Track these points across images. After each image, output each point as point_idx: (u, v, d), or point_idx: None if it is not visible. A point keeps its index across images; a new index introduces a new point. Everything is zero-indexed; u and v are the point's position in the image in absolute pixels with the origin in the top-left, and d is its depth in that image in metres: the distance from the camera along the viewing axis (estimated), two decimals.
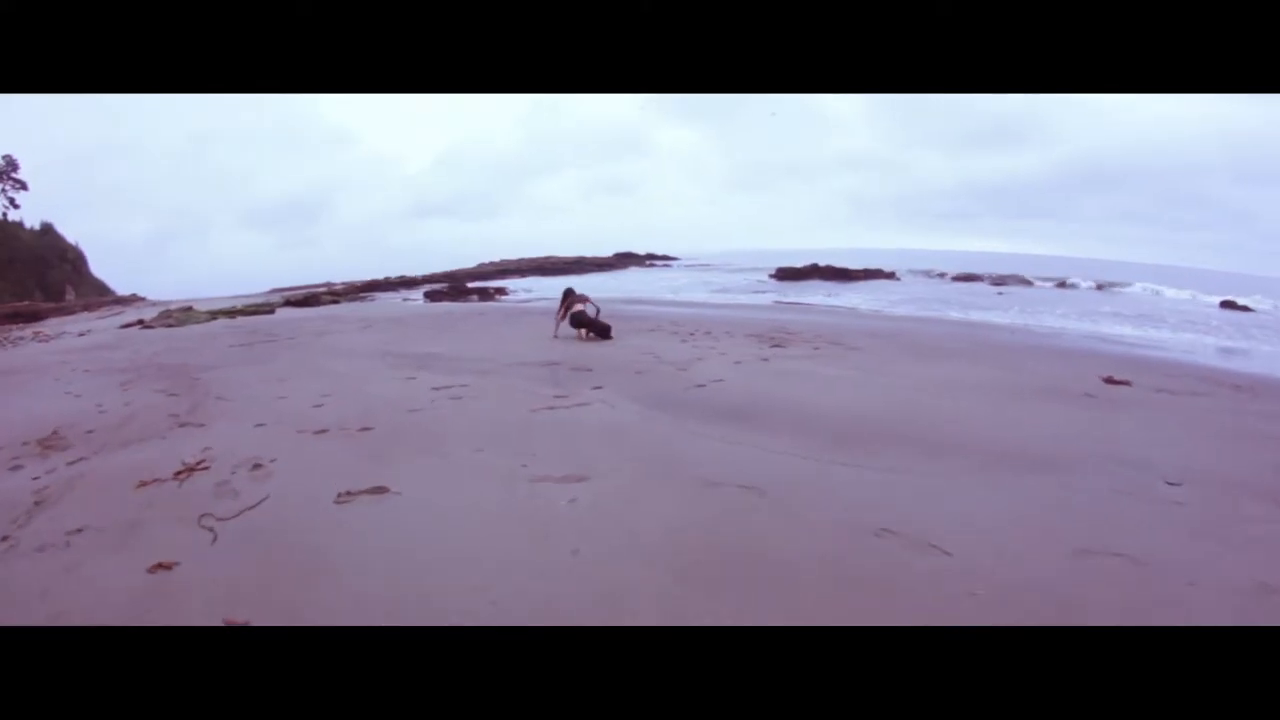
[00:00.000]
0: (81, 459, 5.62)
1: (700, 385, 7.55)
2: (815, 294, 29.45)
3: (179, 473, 5.05)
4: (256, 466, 5.06)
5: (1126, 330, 18.27)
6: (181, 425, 6.57)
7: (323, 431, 5.90)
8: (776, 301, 24.86)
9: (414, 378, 8.38)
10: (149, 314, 25.50)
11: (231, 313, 23.27)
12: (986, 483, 4.54)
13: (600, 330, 11.88)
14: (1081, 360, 10.81)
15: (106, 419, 7.07)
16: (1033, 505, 4.18)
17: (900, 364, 9.48)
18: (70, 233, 58.85)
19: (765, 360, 9.46)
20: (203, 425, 6.49)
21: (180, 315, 22.68)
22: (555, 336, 12.10)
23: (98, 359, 12.62)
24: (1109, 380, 8.29)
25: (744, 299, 26.72)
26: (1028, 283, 37.62)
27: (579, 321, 12.00)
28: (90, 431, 6.56)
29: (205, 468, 5.14)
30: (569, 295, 12.50)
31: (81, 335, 20.13)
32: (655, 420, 6.09)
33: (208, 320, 21.18)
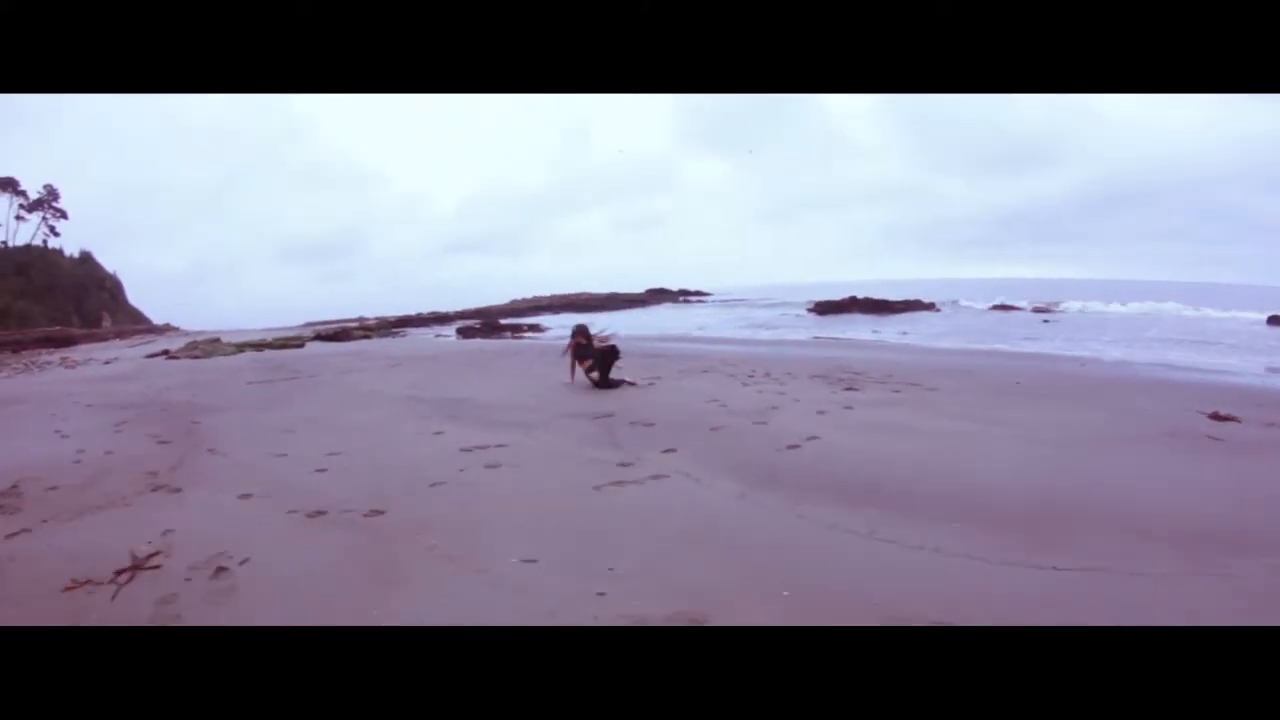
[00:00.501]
0: (24, 530, 4.44)
1: (794, 446, 6.00)
2: (859, 327, 27.67)
3: (122, 571, 3.66)
4: (219, 571, 3.57)
5: (1189, 356, 16.46)
6: (155, 489, 5.26)
7: (319, 514, 4.40)
8: (818, 337, 23.00)
9: (442, 432, 6.91)
10: (177, 344, 24.81)
11: (260, 346, 22.38)
12: (1209, 579, 3.39)
13: (606, 358, 10.08)
14: (1170, 394, 9.49)
15: (77, 473, 5.86)
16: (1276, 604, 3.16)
17: (999, 409, 7.93)
18: (109, 263, 58.78)
19: (849, 409, 7.89)
20: (179, 491, 5.16)
21: (207, 347, 21.88)
22: (571, 381, 10.35)
23: (108, 391, 11.63)
24: (1215, 416, 7.31)
25: (788, 334, 25.00)
26: (1066, 309, 35.64)
27: (602, 368, 10.11)
28: (52, 489, 5.38)
29: (156, 566, 3.72)
30: (578, 335, 10.56)
31: (107, 363, 19.46)
32: (762, 504, 4.54)
33: (234, 353, 20.23)
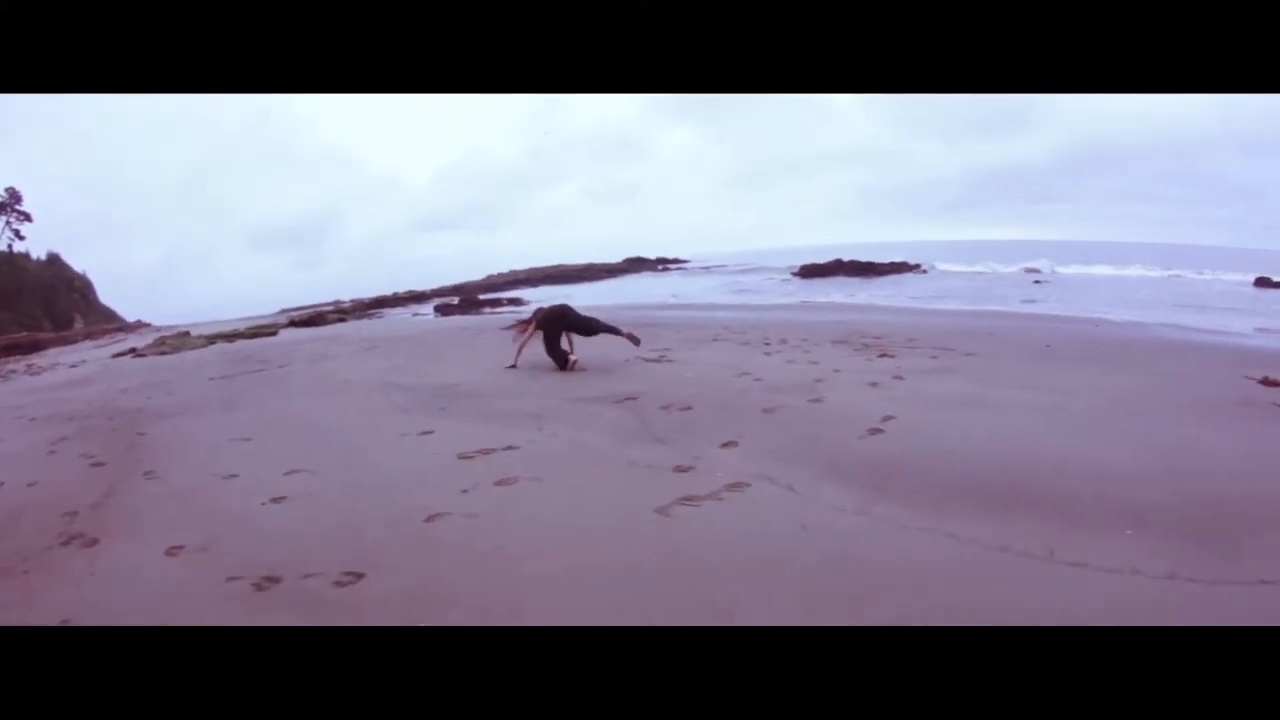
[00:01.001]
0: None
1: (876, 430, 4.75)
2: (850, 291, 26.35)
3: None
4: None
5: (1192, 318, 15.27)
6: (67, 541, 3.96)
7: (270, 582, 3.02)
8: (817, 301, 21.71)
9: (431, 431, 5.53)
10: (144, 341, 23.23)
11: (231, 336, 20.86)
12: None
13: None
14: (1204, 357, 8.70)
15: None
16: None
17: (1053, 376, 6.94)
18: (79, 263, 56.22)
19: (900, 379, 6.70)
20: (94, 544, 3.85)
21: (174, 342, 20.36)
22: (515, 366, 8.47)
23: (59, 400, 10.10)
24: (1267, 382, 6.69)
25: (782, 298, 23.70)
26: (1056, 271, 34.08)
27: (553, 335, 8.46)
28: None
29: None
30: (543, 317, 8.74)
31: (74, 367, 17.81)
32: (895, 520, 3.31)
33: (204, 345, 18.64)
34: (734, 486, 3.83)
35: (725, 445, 4.61)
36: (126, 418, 7.77)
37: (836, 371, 7.22)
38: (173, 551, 3.52)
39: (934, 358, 8.17)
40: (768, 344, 9.76)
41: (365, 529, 3.59)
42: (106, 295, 56.93)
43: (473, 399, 6.78)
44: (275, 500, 4.14)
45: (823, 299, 22.26)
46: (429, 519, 3.65)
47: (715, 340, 10.45)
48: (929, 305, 18.83)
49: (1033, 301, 19.86)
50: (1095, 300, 19.81)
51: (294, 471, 4.69)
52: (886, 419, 5.04)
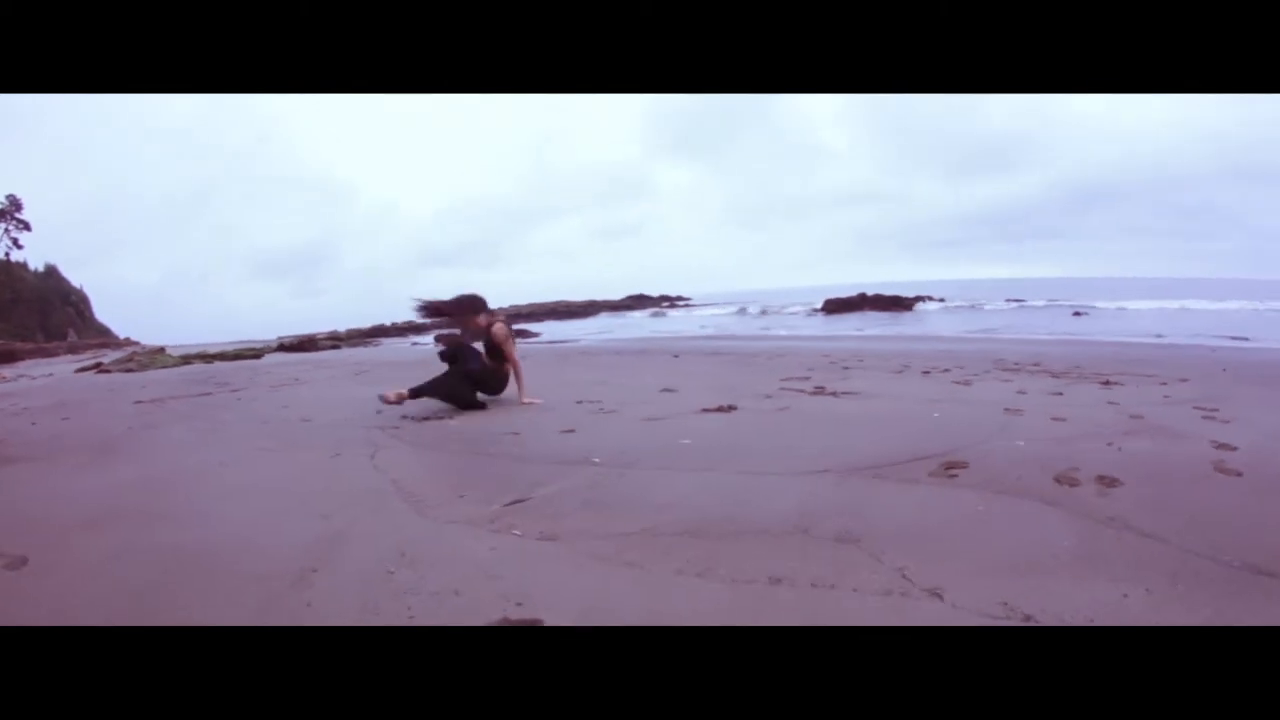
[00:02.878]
0: None
1: None
2: (898, 324, 23.08)
3: None
4: None
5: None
6: None
7: None
8: (869, 334, 18.31)
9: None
10: (112, 357, 20.17)
11: (211, 357, 17.79)
12: None
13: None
14: None
15: None
16: None
17: None
18: (77, 278, 52.77)
19: (1224, 422, 3.43)
20: None
21: (144, 359, 17.41)
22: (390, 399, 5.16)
23: None
24: None
25: (840, 331, 20.48)
26: (1094, 305, 31.14)
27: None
28: None
29: None
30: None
31: (34, 380, 14.78)
32: None
33: (176, 365, 15.75)
34: None
35: None
36: None
37: (1137, 418, 4.04)
38: None
39: (1165, 392, 5.31)
40: (926, 372, 6.70)
41: None
42: (104, 313, 53.78)
43: (589, 485, 3.08)
44: None
45: (891, 331, 19.08)
46: None
47: (847, 369, 7.19)
48: (1008, 336, 15.89)
49: (1099, 333, 16.53)
50: (1154, 329, 16.73)
51: None
52: None
